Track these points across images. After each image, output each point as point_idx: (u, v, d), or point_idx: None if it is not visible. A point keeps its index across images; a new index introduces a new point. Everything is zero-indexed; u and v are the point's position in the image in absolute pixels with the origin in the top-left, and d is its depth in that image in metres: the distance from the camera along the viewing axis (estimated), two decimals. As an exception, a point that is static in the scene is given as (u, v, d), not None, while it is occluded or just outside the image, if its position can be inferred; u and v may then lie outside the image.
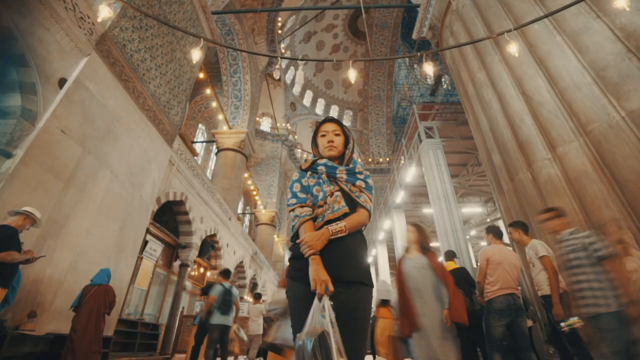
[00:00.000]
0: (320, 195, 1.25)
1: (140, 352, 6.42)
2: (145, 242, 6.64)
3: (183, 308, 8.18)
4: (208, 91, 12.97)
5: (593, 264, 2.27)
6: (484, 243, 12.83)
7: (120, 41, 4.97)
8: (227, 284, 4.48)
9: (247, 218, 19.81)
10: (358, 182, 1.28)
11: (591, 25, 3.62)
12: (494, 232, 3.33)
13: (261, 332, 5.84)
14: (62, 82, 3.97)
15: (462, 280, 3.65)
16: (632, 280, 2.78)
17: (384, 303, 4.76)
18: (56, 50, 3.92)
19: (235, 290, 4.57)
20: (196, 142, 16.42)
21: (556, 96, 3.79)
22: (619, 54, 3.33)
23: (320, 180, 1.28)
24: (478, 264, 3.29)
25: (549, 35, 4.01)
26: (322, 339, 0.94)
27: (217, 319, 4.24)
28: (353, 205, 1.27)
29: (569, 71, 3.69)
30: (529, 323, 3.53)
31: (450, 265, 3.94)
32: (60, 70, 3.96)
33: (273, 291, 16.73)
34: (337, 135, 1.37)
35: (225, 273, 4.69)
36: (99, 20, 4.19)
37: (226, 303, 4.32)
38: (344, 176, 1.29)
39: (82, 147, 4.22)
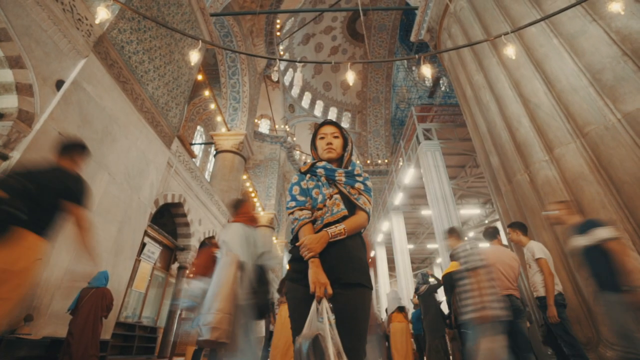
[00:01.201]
0: (320, 198, 1.25)
1: (138, 355, 6.37)
2: (143, 245, 6.60)
3: (181, 310, 8.13)
4: (206, 93, 12.95)
5: (468, 276, 2.62)
6: (482, 245, 12.84)
7: (119, 43, 4.97)
8: None
9: (245, 220, 19.73)
10: (357, 185, 1.29)
11: (587, 29, 3.65)
12: (489, 235, 3.35)
13: (263, 334, 5.87)
14: (59, 83, 3.96)
15: None
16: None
17: (400, 309, 5.19)
18: (54, 51, 3.91)
19: None
20: (194, 144, 16.38)
21: (553, 98, 3.82)
22: (615, 56, 3.36)
23: (320, 183, 1.29)
24: None
25: (545, 38, 4.04)
26: (316, 342, 0.94)
27: None
28: (352, 207, 1.27)
29: (565, 74, 3.72)
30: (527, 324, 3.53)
31: (454, 266, 3.92)
32: (57, 71, 3.95)
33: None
34: (336, 137, 1.37)
35: None
36: (97, 21, 4.19)
37: None
38: (343, 179, 1.29)
39: (80, 149, 4.21)
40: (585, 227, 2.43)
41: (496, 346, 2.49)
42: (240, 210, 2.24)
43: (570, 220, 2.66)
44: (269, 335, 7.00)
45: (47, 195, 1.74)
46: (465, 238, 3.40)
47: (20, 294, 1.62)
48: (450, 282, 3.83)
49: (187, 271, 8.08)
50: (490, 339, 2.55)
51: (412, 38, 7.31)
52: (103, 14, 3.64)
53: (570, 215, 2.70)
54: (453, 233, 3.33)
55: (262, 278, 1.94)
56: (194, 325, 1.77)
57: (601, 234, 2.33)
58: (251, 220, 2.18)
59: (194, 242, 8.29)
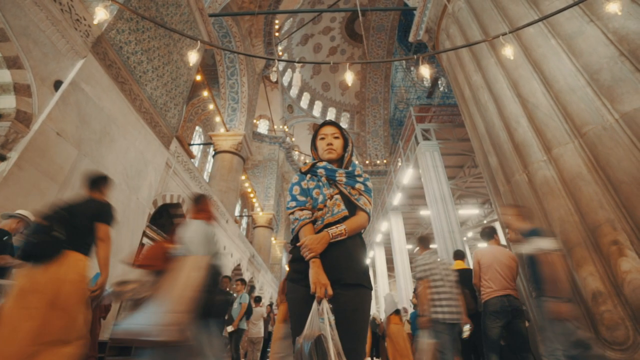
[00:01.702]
0: (320, 198, 1.25)
1: (136, 356, 6.35)
2: (141, 245, 6.58)
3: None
4: (205, 93, 12.96)
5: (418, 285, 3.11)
6: (480, 244, 12.88)
7: (117, 43, 4.96)
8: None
9: (244, 220, 19.75)
10: (357, 185, 1.29)
11: (585, 29, 3.67)
12: (487, 235, 3.36)
13: (262, 335, 5.94)
14: (57, 84, 3.94)
15: (469, 281, 3.63)
16: (627, 280, 2.82)
17: (397, 312, 5.54)
18: (52, 52, 3.89)
19: None
20: (193, 144, 16.36)
21: (551, 99, 3.83)
22: (612, 57, 3.37)
23: (320, 183, 1.29)
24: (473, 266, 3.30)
25: (543, 38, 4.06)
26: (318, 342, 0.94)
27: (244, 324, 4.92)
28: (352, 208, 1.27)
29: (563, 74, 3.73)
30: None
31: (458, 265, 3.92)
32: (56, 72, 3.94)
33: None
34: (336, 138, 1.38)
35: (244, 282, 5.46)
36: (95, 22, 4.17)
37: (251, 309, 5.19)
38: (344, 179, 1.29)
39: (78, 150, 4.19)
40: (529, 235, 2.58)
41: (430, 347, 2.91)
42: (202, 207, 2.22)
43: (519, 226, 2.80)
44: (268, 335, 7.00)
45: (82, 219, 2.15)
46: (430, 248, 3.60)
47: (74, 302, 1.96)
48: None
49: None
50: (426, 341, 2.97)
51: (411, 38, 7.32)
52: (101, 15, 3.62)
53: (519, 221, 2.85)
54: (420, 242, 3.63)
55: (216, 277, 1.93)
56: (133, 321, 1.66)
57: (539, 244, 2.51)
58: (211, 218, 2.18)
59: (193, 243, 8.27)
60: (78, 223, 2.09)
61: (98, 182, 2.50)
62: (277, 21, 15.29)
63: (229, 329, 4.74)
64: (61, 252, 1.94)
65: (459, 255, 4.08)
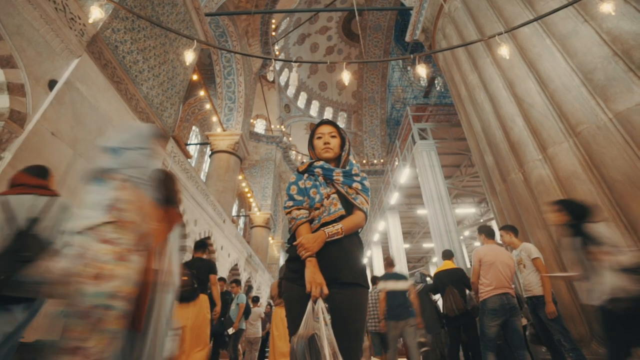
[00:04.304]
0: (317, 197, 1.25)
1: None
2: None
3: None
4: (202, 93, 12.91)
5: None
6: (477, 243, 12.95)
7: (112, 43, 4.92)
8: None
9: (241, 220, 19.70)
10: (354, 185, 1.29)
11: (579, 29, 3.70)
12: (486, 232, 3.36)
13: (260, 335, 5.95)
14: (52, 83, 3.90)
15: (458, 280, 3.66)
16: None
17: None
18: (46, 51, 3.85)
19: None
20: (190, 144, 16.29)
21: (546, 98, 3.87)
22: (606, 57, 3.41)
23: (317, 183, 1.29)
24: (472, 264, 3.31)
25: (539, 38, 4.09)
26: (312, 341, 0.95)
27: (242, 324, 4.98)
28: (349, 207, 1.27)
29: (558, 73, 3.77)
30: (523, 321, 3.56)
31: (447, 265, 3.94)
32: (50, 71, 3.90)
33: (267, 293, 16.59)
34: (333, 137, 1.38)
35: (238, 283, 5.57)
36: (90, 21, 4.14)
37: (249, 310, 5.38)
38: (341, 178, 1.29)
39: (74, 150, 4.15)
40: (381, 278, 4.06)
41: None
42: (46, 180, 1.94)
43: (386, 270, 4.21)
44: (266, 335, 7.01)
45: (202, 273, 3.39)
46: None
47: (205, 324, 3.23)
48: (437, 282, 3.88)
49: None
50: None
51: (407, 38, 7.34)
52: (96, 14, 3.60)
53: (386, 267, 4.23)
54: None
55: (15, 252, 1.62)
56: None
57: (379, 286, 4.05)
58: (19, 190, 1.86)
59: (190, 243, 8.24)
60: (201, 275, 3.32)
61: (201, 246, 3.70)
62: (273, 21, 15.26)
63: (230, 331, 4.76)
64: (198, 295, 3.08)
65: (447, 255, 4.11)
